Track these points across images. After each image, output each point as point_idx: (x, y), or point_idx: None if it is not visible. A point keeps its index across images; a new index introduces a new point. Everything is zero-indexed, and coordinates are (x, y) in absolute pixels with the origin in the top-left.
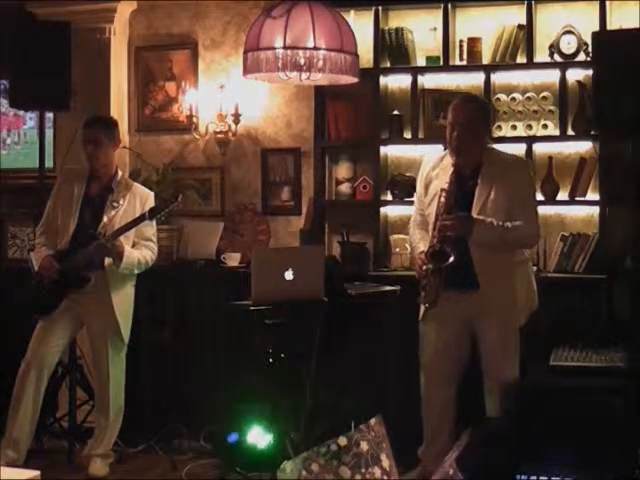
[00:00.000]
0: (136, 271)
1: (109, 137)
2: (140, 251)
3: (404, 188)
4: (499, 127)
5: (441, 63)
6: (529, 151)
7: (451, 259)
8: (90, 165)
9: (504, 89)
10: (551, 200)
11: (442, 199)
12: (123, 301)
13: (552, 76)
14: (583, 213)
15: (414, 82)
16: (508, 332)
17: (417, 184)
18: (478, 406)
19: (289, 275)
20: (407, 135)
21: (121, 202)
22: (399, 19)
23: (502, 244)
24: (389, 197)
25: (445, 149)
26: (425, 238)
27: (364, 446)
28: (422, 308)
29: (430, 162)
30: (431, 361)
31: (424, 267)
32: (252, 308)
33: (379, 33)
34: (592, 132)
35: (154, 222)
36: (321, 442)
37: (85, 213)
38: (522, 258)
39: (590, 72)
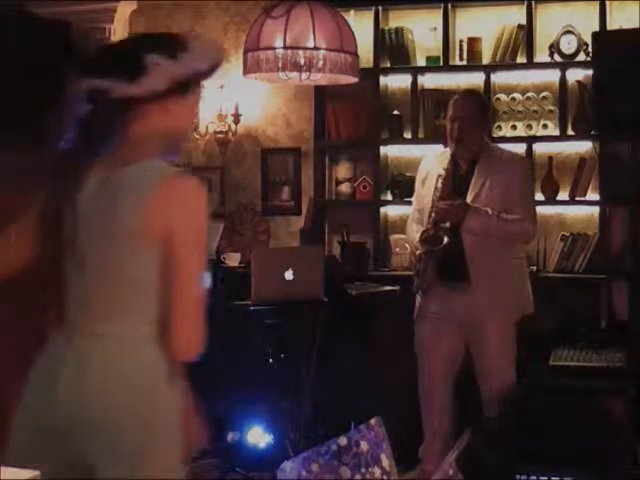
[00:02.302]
0: None
1: None
2: None
3: (404, 188)
4: (499, 127)
5: (441, 63)
6: (529, 151)
7: (445, 240)
8: None
9: (504, 89)
10: (551, 200)
11: (439, 185)
12: None
13: (552, 76)
14: (583, 213)
15: (414, 82)
16: (503, 331)
17: (416, 180)
18: (478, 406)
19: (289, 275)
20: (407, 135)
21: None
22: (399, 19)
23: (497, 234)
24: (389, 197)
25: (445, 148)
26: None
27: (364, 446)
28: (416, 309)
29: (428, 159)
30: (427, 362)
31: (417, 252)
32: (252, 308)
33: (379, 33)
34: (592, 132)
35: None
36: (321, 442)
37: None
38: (517, 256)
39: (590, 72)
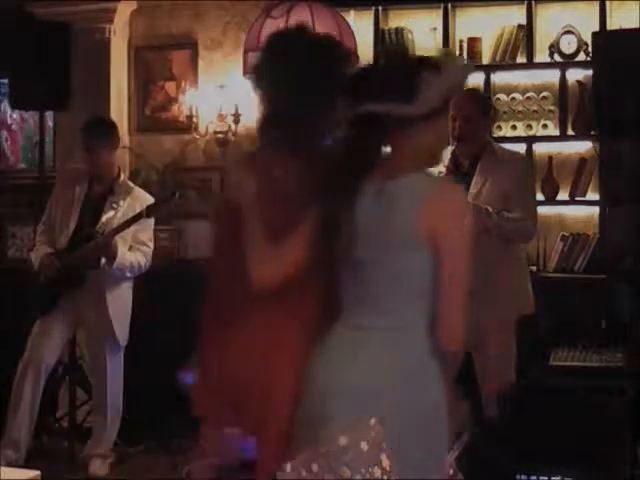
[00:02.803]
0: (128, 274)
1: (110, 140)
2: (134, 254)
3: None
4: (499, 127)
5: None
6: (529, 151)
7: None
8: (91, 168)
9: (504, 89)
10: (551, 200)
11: None
12: (118, 302)
13: (552, 76)
14: (583, 213)
15: None
16: (503, 331)
17: None
18: (478, 406)
19: None
20: None
21: (121, 204)
22: (399, 19)
23: (497, 232)
24: None
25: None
26: None
27: (364, 446)
28: None
29: None
30: None
31: None
32: None
33: (379, 33)
34: (592, 132)
35: (152, 226)
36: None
37: (85, 214)
38: (517, 255)
39: (590, 72)
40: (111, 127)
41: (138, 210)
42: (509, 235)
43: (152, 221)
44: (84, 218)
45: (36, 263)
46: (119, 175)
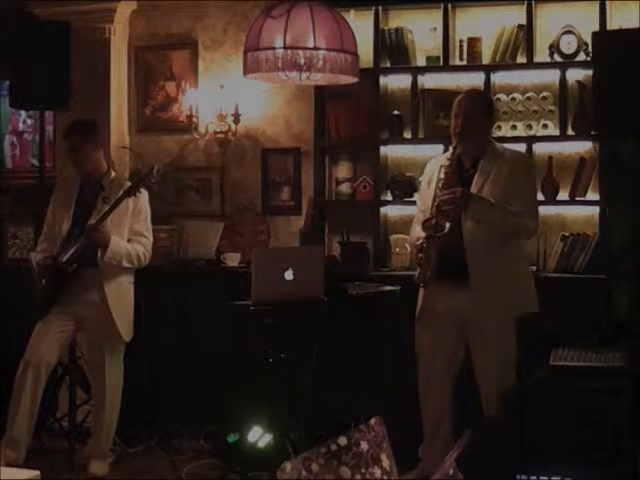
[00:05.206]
0: (125, 264)
1: (90, 142)
2: (131, 244)
3: (404, 188)
4: (499, 127)
5: (441, 63)
6: (529, 151)
7: (447, 226)
8: (76, 170)
9: (504, 89)
10: (551, 200)
11: (441, 175)
12: (119, 299)
13: (552, 76)
14: (583, 213)
15: (414, 82)
16: (503, 331)
17: (422, 181)
18: (478, 406)
19: (289, 275)
20: (407, 135)
21: (112, 199)
22: (399, 19)
23: (498, 224)
24: (389, 197)
25: (445, 151)
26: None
27: (364, 446)
28: (417, 309)
29: (434, 161)
30: (427, 362)
31: (419, 241)
32: (252, 308)
33: (379, 33)
34: (592, 132)
35: (147, 217)
36: (321, 442)
37: (78, 213)
38: (518, 254)
39: (590, 72)
40: (91, 126)
41: (130, 202)
42: (511, 229)
43: (146, 212)
44: (77, 217)
45: (34, 267)
46: (109, 172)
